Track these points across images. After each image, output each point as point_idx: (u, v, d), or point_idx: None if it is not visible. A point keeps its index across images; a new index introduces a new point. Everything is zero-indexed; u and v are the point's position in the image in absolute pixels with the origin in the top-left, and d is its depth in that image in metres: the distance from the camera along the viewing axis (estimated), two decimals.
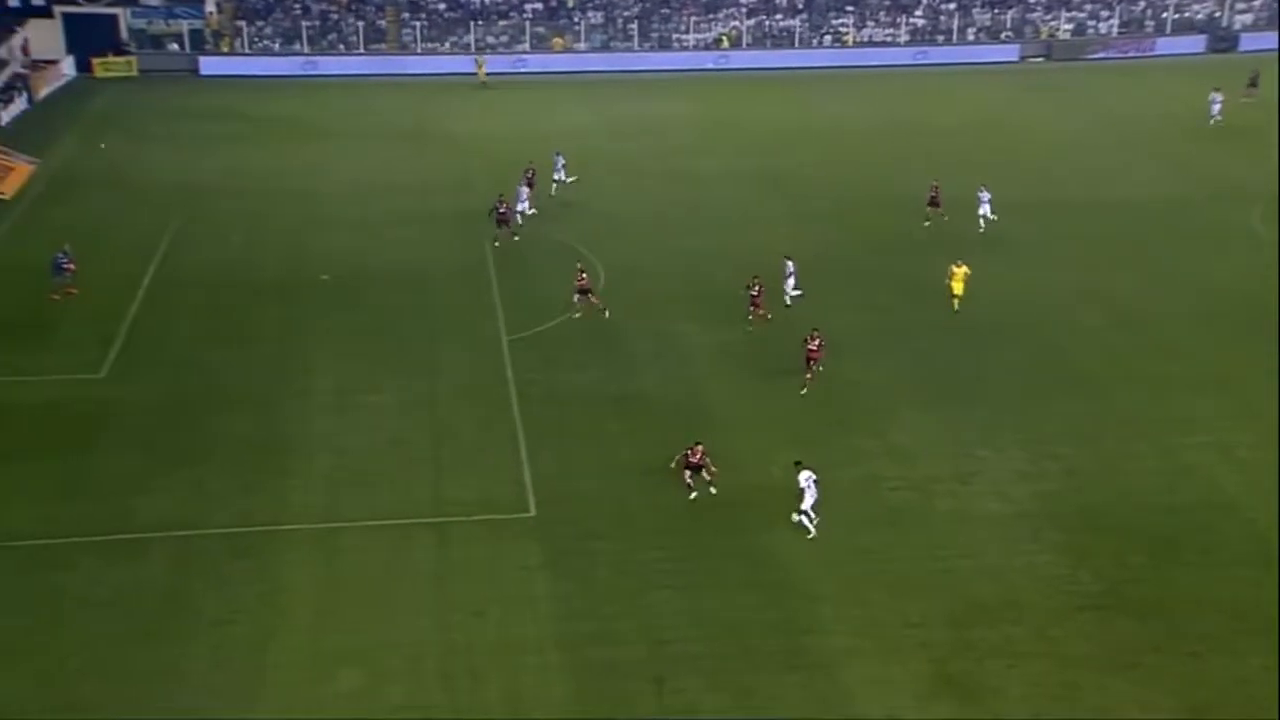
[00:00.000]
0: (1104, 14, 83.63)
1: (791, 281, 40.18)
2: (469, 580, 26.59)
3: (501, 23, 79.66)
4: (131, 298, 40.98)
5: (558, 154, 52.39)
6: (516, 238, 45.98)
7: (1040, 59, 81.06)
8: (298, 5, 78.94)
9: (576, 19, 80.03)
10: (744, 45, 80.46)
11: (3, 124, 61.32)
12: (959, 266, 39.56)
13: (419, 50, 77.87)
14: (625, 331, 38.87)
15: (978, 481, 30.48)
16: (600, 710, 22.99)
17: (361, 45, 77.93)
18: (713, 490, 29.17)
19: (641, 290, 41.95)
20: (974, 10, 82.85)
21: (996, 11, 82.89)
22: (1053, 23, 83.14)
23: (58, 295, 40.35)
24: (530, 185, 48.89)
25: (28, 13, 72.81)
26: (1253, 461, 31.11)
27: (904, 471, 30.89)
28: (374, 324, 39.29)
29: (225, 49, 77.10)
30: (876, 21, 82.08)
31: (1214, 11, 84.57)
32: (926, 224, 47.34)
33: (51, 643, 24.65)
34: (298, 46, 77.34)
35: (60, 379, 35.40)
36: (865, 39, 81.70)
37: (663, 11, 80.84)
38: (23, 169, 54.78)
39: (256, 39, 77.77)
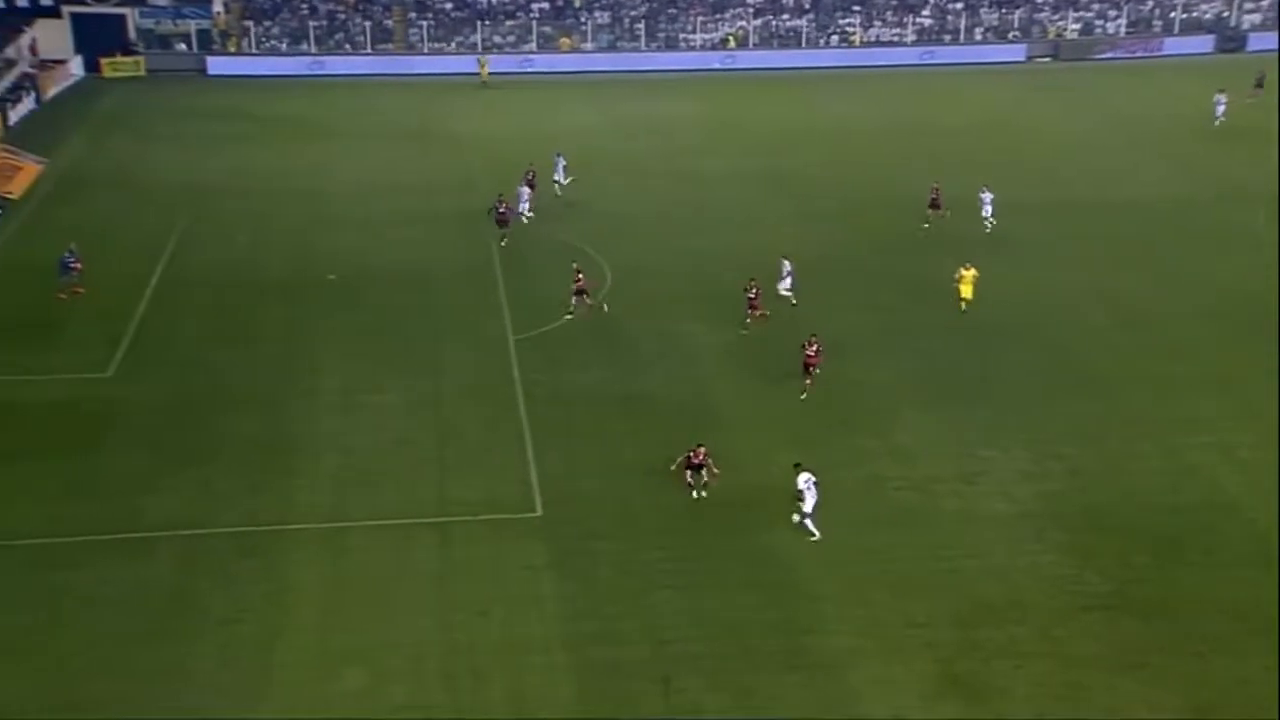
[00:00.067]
0: (1111, 14, 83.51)
1: (788, 281, 40.19)
2: (474, 580, 26.63)
3: (508, 23, 79.75)
4: (139, 297, 41.09)
5: (558, 155, 52.39)
6: (504, 241, 45.86)
7: (1047, 59, 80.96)
8: (305, 5, 79.08)
9: (583, 19, 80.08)
10: (750, 45, 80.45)
11: (11, 124, 61.47)
12: (967, 269, 39.47)
13: (425, 50, 77.97)
14: (630, 331, 38.91)
15: (982, 481, 30.47)
16: (604, 710, 23.02)
17: (368, 45, 78.06)
18: (703, 493, 29.14)
19: (647, 290, 41.97)
20: (981, 10, 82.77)
21: (1004, 11, 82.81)
22: (1060, 22, 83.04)
23: (65, 295, 40.47)
24: (531, 186, 48.90)
25: (36, 13, 72.99)
26: (1257, 462, 31.07)
27: (908, 471, 30.89)
28: (380, 324, 39.37)
29: (232, 49, 77.27)
30: (883, 21, 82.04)
31: (1222, 11, 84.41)
32: (925, 226, 47.27)
33: (58, 641, 24.74)
34: (305, 46, 77.47)
35: (67, 378, 35.51)
36: (872, 39, 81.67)
37: (669, 11, 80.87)
38: (31, 169, 54.94)
39: (264, 39, 77.92)
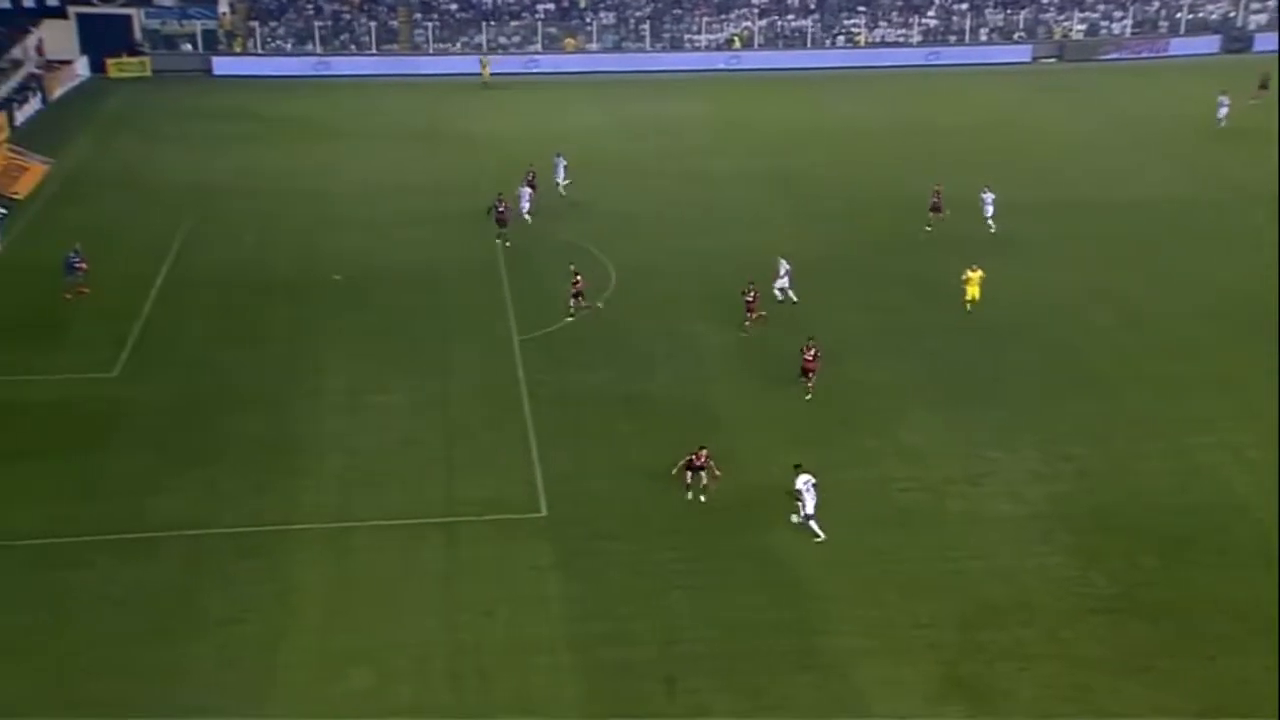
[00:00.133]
0: (1117, 14, 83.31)
1: (785, 280, 40.13)
2: (480, 580, 26.61)
3: (514, 23, 79.68)
4: (144, 297, 41.11)
5: (558, 155, 52.32)
6: (498, 239, 45.78)
7: (1053, 59, 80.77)
8: (310, 6, 79.09)
9: (588, 19, 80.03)
10: (756, 46, 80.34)
11: (17, 124, 61.48)
12: (974, 270, 39.36)
13: (431, 51, 77.92)
14: (636, 332, 38.87)
15: (989, 482, 30.41)
16: (610, 711, 22.99)
17: (374, 45, 78.03)
18: (702, 497, 29.09)
19: (653, 290, 41.94)
20: (986, 11, 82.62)
21: (1009, 12, 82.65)
22: (1066, 23, 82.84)
23: (70, 295, 40.50)
24: (533, 187, 48.82)
25: (42, 13, 73.04)
26: (1264, 462, 30.97)
27: (914, 472, 30.83)
28: (385, 324, 39.36)
29: (238, 49, 77.26)
30: (889, 22, 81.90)
31: (1228, 12, 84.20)
32: (928, 229, 47.16)
33: (61, 640, 24.75)
34: (310, 47, 77.46)
35: (73, 378, 35.52)
36: (877, 39, 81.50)
37: (675, 12, 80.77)
38: (37, 169, 54.97)
39: (269, 39, 77.92)
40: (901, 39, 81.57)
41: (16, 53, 68.96)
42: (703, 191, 53.24)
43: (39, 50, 71.13)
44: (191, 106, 68.01)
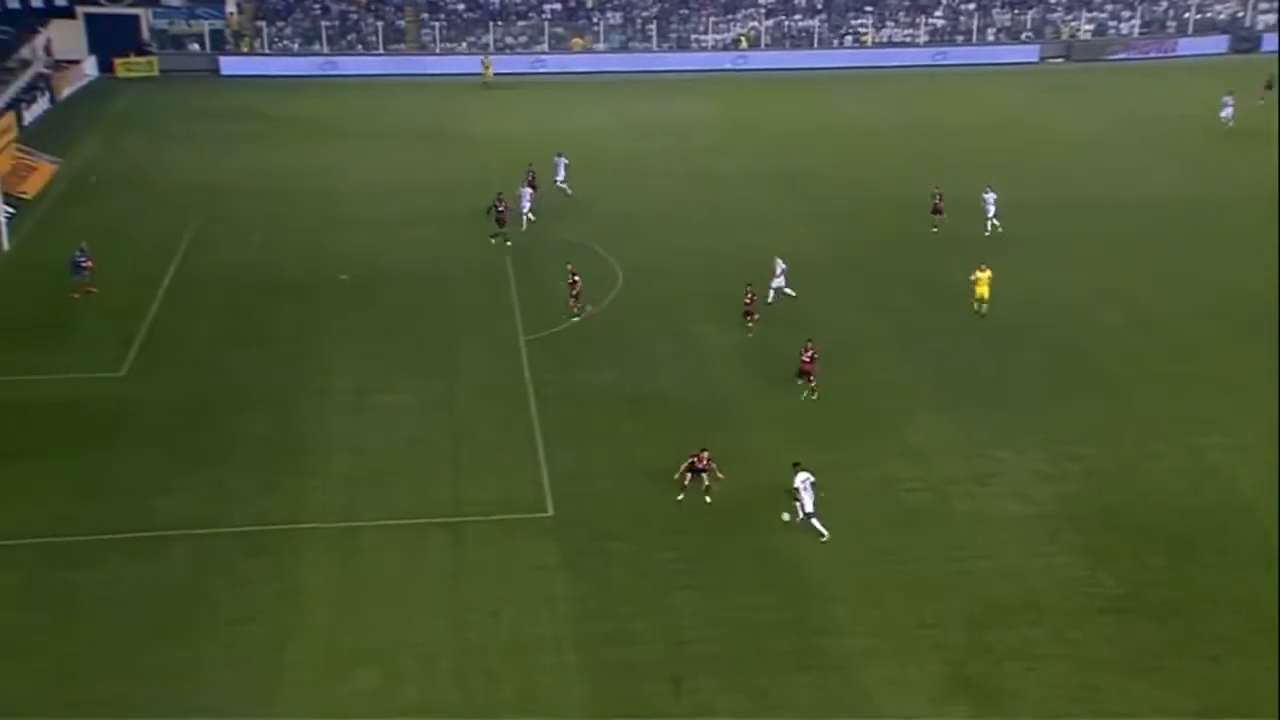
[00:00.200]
0: (1125, 14, 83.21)
1: (781, 280, 40.12)
2: (486, 580, 26.62)
3: (520, 23, 79.78)
4: (152, 297, 41.19)
5: (559, 155, 52.29)
6: (494, 239, 45.71)
7: (1060, 60, 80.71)
8: (317, 5, 79.22)
9: (595, 19, 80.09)
10: (763, 46, 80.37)
11: (25, 124, 61.66)
12: (983, 271, 39.23)
13: (438, 50, 78.03)
14: (642, 332, 38.88)
15: (996, 482, 30.37)
16: (616, 710, 22.97)
17: (381, 45, 78.16)
18: (708, 499, 29.07)
19: (659, 290, 41.95)
20: (994, 10, 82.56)
21: (1016, 12, 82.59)
22: (1073, 23, 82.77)
23: (77, 294, 40.58)
24: (533, 187, 48.76)
25: (51, 13, 73.24)
26: (1271, 462, 30.86)
27: (921, 472, 30.80)
28: (392, 324, 39.40)
29: (245, 49, 77.44)
30: (896, 22, 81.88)
31: (1237, 12, 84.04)
32: (934, 229, 47.06)
33: (68, 639, 24.78)
34: (317, 47, 77.62)
35: (80, 377, 35.59)
36: (884, 39, 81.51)
37: (681, 12, 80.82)
38: (45, 168, 55.12)
39: (276, 39, 78.08)
40: (908, 39, 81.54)
41: (25, 52, 69.17)
42: (709, 191, 53.24)
43: (47, 50, 71.35)
44: (199, 106, 68.17)
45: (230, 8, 77.77)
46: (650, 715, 22.92)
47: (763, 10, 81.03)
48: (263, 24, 77.83)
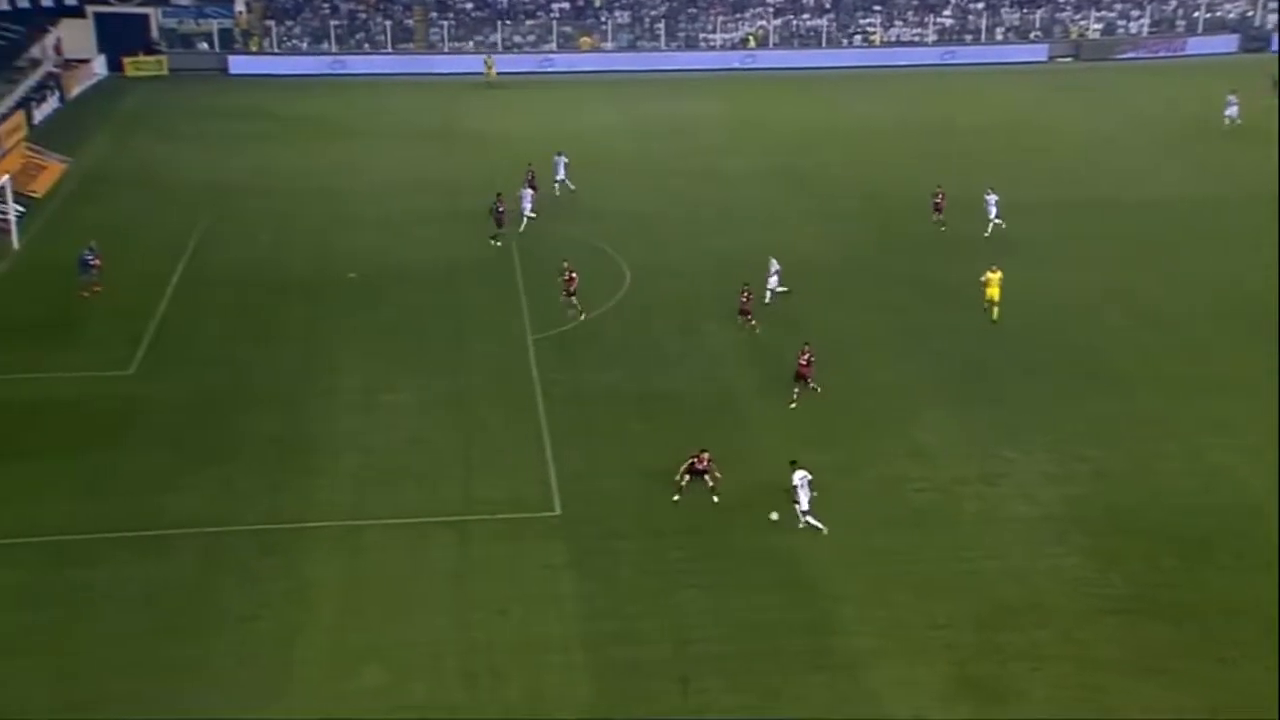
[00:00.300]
0: (1134, 13, 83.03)
1: (775, 280, 40.09)
2: (493, 579, 26.63)
3: (528, 22, 79.82)
4: (160, 296, 41.26)
5: (559, 155, 52.24)
6: (493, 240, 45.79)
7: (1069, 59, 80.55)
8: (326, 5, 79.32)
9: (603, 18, 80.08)
10: (771, 45, 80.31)
11: (35, 123, 61.79)
12: (994, 272, 38.98)
13: (446, 50, 78.08)
14: (650, 331, 38.88)
15: (1004, 483, 30.32)
16: (623, 710, 22.97)
17: (389, 44, 78.23)
18: (715, 499, 29.05)
19: (667, 289, 41.95)
20: (1002, 10, 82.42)
21: (1025, 11, 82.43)
22: (1082, 22, 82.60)
23: (86, 293, 40.67)
24: (533, 187, 48.69)
25: (60, 12, 73.42)
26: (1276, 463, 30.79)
27: (929, 472, 30.76)
28: (400, 323, 39.44)
29: (254, 48, 77.54)
30: (904, 21, 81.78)
31: (1246, 11, 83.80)
32: (943, 228, 46.95)
33: (76, 638, 24.82)
34: (326, 46, 77.71)
35: (89, 376, 35.66)
36: (892, 39, 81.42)
37: (690, 11, 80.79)
38: (54, 167, 55.25)
39: (285, 38, 78.18)
40: (917, 38, 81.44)
41: (35, 52, 69.39)
42: (717, 191, 53.22)
43: (57, 49, 71.53)
44: (207, 105, 68.28)
45: (239, 7, 77.89)
46: (657, 714, 22.91)
47: (771, 9, 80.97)
48: (271, 23, 77.94)
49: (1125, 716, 22.89)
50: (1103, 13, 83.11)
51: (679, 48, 79.65)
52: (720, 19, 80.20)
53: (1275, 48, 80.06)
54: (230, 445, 31.94)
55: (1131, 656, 24.28)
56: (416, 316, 39.88)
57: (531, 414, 33.63)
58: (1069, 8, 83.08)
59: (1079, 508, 29.24)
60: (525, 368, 36.33)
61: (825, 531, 27.74)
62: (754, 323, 38.12)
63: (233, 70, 75.74)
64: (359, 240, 46.76)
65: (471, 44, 78.55)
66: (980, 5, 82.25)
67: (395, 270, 43.62)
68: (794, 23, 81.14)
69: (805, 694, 23.36)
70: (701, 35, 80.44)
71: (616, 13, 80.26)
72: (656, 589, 26.23)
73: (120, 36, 74.70)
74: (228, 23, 77.54)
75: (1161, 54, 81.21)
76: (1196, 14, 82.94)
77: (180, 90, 71.70)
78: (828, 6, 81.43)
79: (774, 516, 28.07)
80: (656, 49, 79.28)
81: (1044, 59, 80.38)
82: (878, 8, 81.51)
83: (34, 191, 51.66)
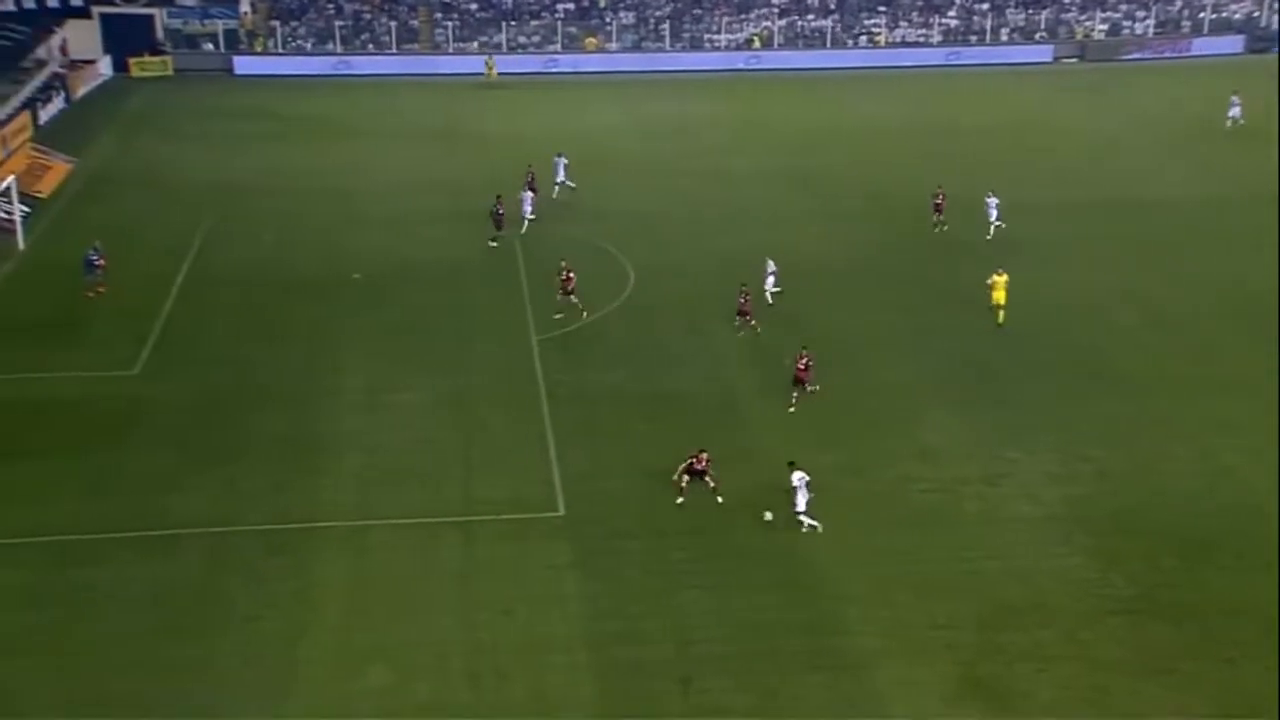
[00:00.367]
0: (1140, 14, 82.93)
1: (771, 280, 40.10)
2: (497, 579, 26.66)
3: (533, 23, 79.85)
4: (165, 295, 41.33)
5: (559, 156, 52.22)
6: (492, 242, 45.78)
7: (1074, 60, 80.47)
8: (331, 5, 79.41)
9: (608, 19, 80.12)
10: (776, 46, 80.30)
11: (41, 123, 61.93)
12: (999, 275, 38.83)
13: (450, 50, 78.14)
14: (655, 331, 38.89)
15: (1008, 483, 30.31)
16: (626, 710, 22.99)
17: (394, 45, 78.29)
18: (719, 499, 29.06)
19: (672, 290, 41.96)
20: (1007, 10, 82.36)
21: (1030, 12, 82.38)
22: (1087, 23, 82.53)
23: (91, 293, 40.74)
24: (533, 189, 48.65)
25: (66, 13, 73.54)
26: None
27: (932, 473, 30.75)
28: (405, 322, 39.48)
29: (259, 49, 77.63)
30: (909, 22, 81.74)
31: (1252, 11, 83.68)
32: (945, 227, 46.86)
33: (81, 637, 24.87)
34: (331, 46, 77.79)
35: (94, 376, 35.72)
36: (898, 39, 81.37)
37: (694, 12, 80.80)
38: (60, 168, 55.36)
39: (290, 39, 78.28)
40: (922, 39, 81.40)
41: (41, 52, 69.51)
42: (722, 191, 53.22)
43: (63, 50, 71.64)
44: (213, 106, 68.37)
45: (244, 7, 78.00)
46: (660, 715, 22.92)
47: (776, 10, 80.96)
48: (276, 24, 78.04)
49: (1130, 717, 22.87)
50: (1108, 13, 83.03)
51: (684, 48, 79.65)
52: (725, 20, 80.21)
53: None
54: (235, 445, 31.99)
55: (1136, 657, 24.27)
56: (422, 316, 39.92)
57: (536, 414, 33.65)
58: (1074, 8, 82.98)
59: (1082, 508, 29.23)
60: (530, 368, 36.36)
61: (820, 529, 27.78)
62: (753, 324, 38.09)
63: (238, 71, 75.83)
64: (364, 240, 46.81)
65: (476, 44, 78.59)
66: (985, 6, 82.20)
67: (400, 270, 43.66)
68: (799, 23, 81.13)
69: (807, 694, 23.36)
70: (706, 36, 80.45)
71: (621, 13, 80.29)
72: (660, 589, 26.25)
73: (126, 37, 74.82)
74: (233, 23, 77.66)
75: (1167, 55, 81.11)
76: (1202, 15, 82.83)
77: (185, 91, 71.80)
78: (832, 7, 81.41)
79: (768, 516, 28.13)
80: (661, 50, 79.28)
81: (1049, 60, 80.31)
82: (883, 8, 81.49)
83: (39, 192, 51.77)
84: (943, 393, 34.86)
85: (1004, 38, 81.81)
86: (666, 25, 79.82)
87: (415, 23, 79.40)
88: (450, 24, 78.79)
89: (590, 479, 30.43)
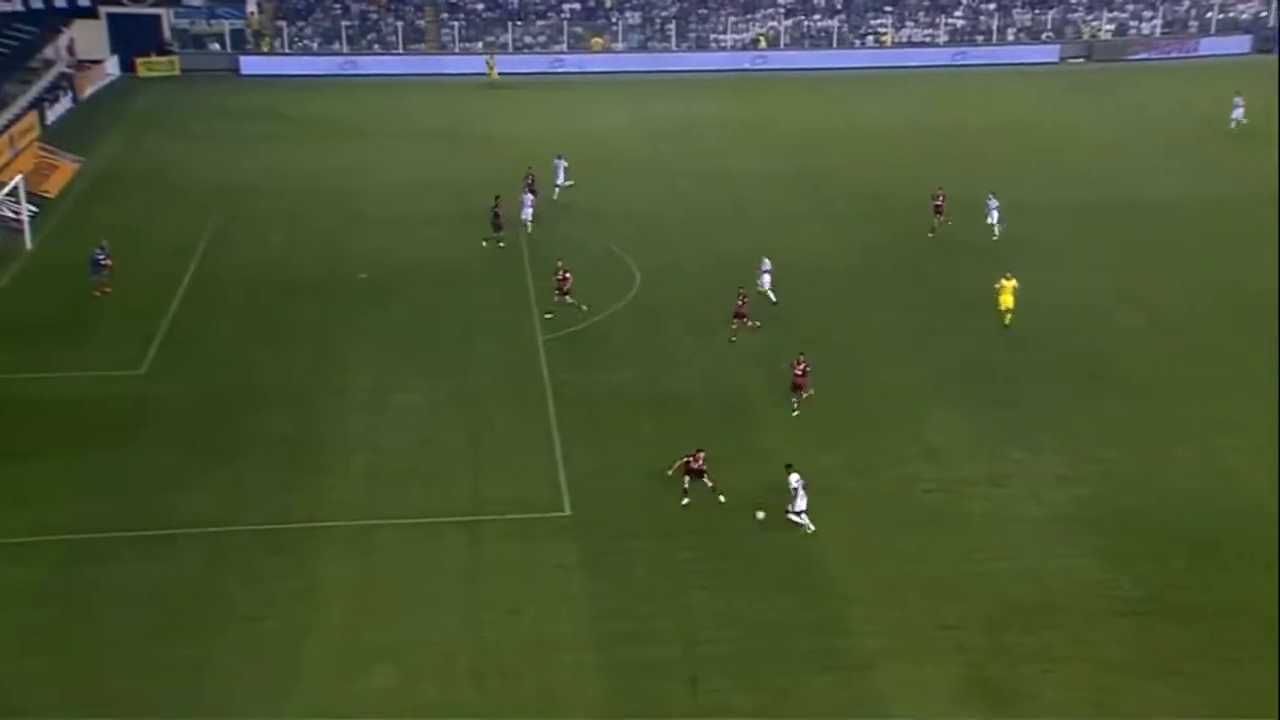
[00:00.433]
0: (1146, 14, 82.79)
1: (767, 279, 40.05)
2: (503, 579, 26.65)
3: (539, 23, 79.85)
4: (172, 295, 41.37)
5: (559, 158, 52.15)
6: (485, 243, 45.71)
7: (1081, 60, 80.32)
8: (337, 5, 79.46)
9: (614, 19, 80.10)
10: (782, 46, 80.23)
11: (48, 123, 62.00)
12: (1008, 279, 38.54)
13: (457, 50, 78.14)
14: (660, 331, 38.88)
15: (1014, 484, 30.27)
16: (633, 710, 22.98)
17: (400, 45, 78.32)
18: (721, 499, 29.03)
19: (677, 290, 41.95)
20: (1014, 10, 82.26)
21: (1037, 12, 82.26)
22: (1094, 23, 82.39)
23: (98, 292, 40.79)
24: (533, 191, 48.59)
25: (73, 13, 73.67)
26: None
27: (939, 473, 30.72)
28: (410, 322, 39.49)
29: (266, 49, 77.70)
30: (915, 22, 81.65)
31: (1259, 11, 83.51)
32: (950, 223, 46.70)
33: (85, 636, 24.88)
34: (337, 46, 77.82)
35: (101, 375, 35.76)
36: (904, 39, 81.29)
37: (700, 12, 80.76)
38: (67, 167, 55.43)
39: (296, 39, 78.32)
40: (928, 39, 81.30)
41: (48, 52, 69.64)
42: (728, 191, 53.19)
43: (70, 50, 71.78)
44: (219, 106, 68.43)
45: (251, 7, 78.05)
46: (668, 715, 22.91)
47: (782, 10, 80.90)
48: (283, 24, 78.09)
49: (1138, 717, 22.82)
50: (1115, 13, 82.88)
51: (690, 48, 79.61)
52: (731, 20, 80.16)
53: None
54: (241, 445, 32.01)
55: (1143, 658, 24.23)
56: (427, 317, 39.93)
57: (542, 414, 33.65)
58: (1081, 8, 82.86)
59: (1089, 509, 29.18)
60: (535, 368, 36.35)
61: (811, 530, 27.78)
62: (750, 325, 37.96)
63: (244, 71, 75.89)
64: (370, 240, 46.83)
65: (482, 45, 78.57)
66: (992, 6, 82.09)
67: (406, 270, 43.68)
68: (805, 23, 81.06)
69: (815, 695, 23.34)
70: (712, 36, 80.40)
71: (627, 13, 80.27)
72: (667, 589, 26.23)
73: (133, 37, 74.91)
74: (239, 23, 77.72)
75: (1174, 55, 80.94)
76: (1209, 15, 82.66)
77: (192, 91, 71.88)
78: (839, 7, 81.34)
79: (760, 516, 28.10)
80: (667, 50, 79.24)
81: (1056, 60, 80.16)
82: (889, 8, 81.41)
83: (47, 191, 51.84)
84: (945, 393, 34.81)
85: (1010, 38, 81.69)
86: (672, 25, 79.79)
87: (422, 23, 79.43)
88: (456, 24, 78.83)
89: (596, 479, 30.42)
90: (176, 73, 75.07)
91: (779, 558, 27.28)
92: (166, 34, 76.95)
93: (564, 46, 79.01)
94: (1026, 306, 39.35)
